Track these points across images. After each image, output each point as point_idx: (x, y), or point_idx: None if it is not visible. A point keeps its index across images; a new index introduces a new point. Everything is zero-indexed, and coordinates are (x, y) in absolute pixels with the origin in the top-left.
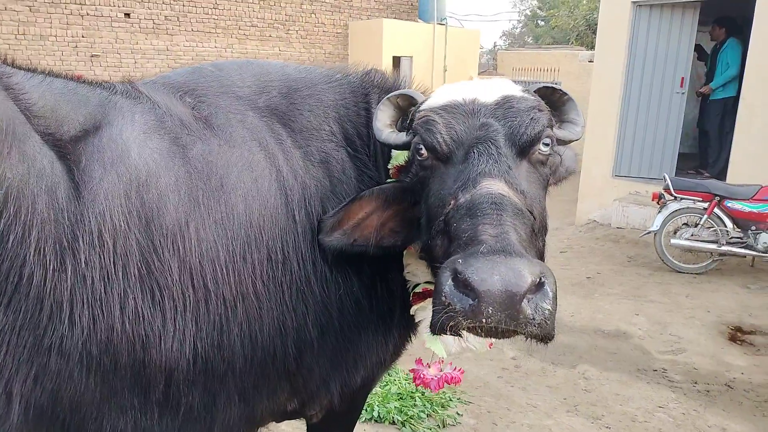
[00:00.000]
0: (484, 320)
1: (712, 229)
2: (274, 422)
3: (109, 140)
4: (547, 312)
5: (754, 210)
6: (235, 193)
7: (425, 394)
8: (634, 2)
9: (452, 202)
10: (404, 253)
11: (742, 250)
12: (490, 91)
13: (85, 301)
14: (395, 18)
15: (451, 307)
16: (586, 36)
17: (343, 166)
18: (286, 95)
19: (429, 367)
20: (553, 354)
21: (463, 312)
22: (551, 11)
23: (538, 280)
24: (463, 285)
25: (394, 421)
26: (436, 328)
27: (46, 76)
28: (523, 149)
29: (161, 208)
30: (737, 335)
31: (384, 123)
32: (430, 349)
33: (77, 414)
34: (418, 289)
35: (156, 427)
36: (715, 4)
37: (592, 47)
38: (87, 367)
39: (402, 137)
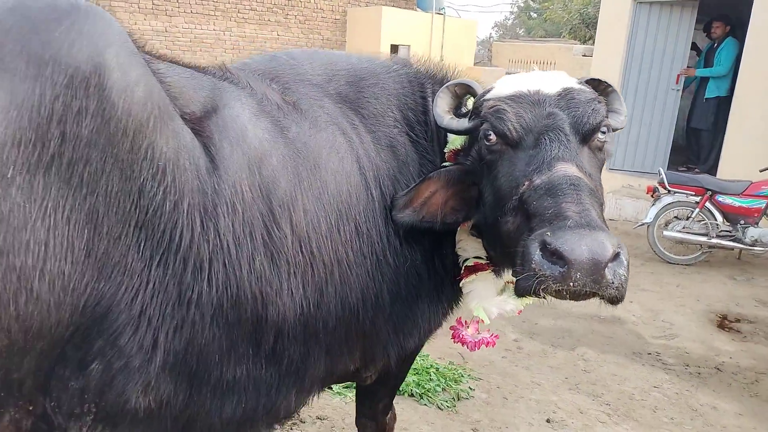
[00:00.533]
0: (571, 284)
1: (702, 222)
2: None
3: (230, 120)
4: (623, 277)
5: (744, 205)
6: (326, 172)
7: (439, 369)
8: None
9: (527, 183)
10: (458, 229)
11: (731, 243)
12: (551, 83)
13: (221, 261)
14: (394, 6)
15: (541, 273)
16: (579, 30)
17: (407, 150)
18: (353, 83)
19: (467, 327)
20: (553, 337)
21: (552, 278)
22: (545, 4)
23: (616, 250)
24: (551, 254)
25: (412, 394)
26: (524, 292)
27: (170, 63)
28: (586, 137)
29: (275, 182)
30: (725, 323)
31: (443, 109)
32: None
33: (203, 363)
34: (469, 263)
35: (263, 376)
36: (711, 3)
37: (586, 41)
38: (217, 321)
39: (464, 123)
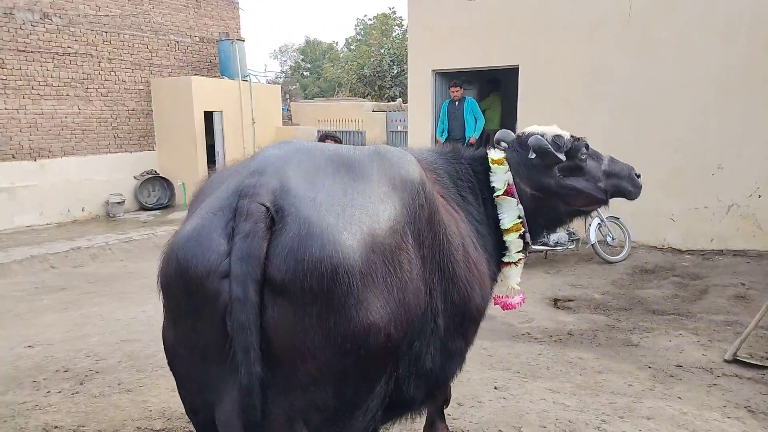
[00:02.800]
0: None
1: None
2: None
3: (433, 190)
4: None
5: None
6: (461, 224)
7: None
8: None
9: (605, 163)
10: (510, 234)
11: (540, 246)
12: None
13: (457, 269)
14: (196, 74)
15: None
16: (357, 88)
17: (468, 208)
18: (433, 171)
19: (512, 296)
20: None
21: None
22: (328, 65)
23: None
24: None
25: None
26: (635, 195)
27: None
28: None
29: (455, 230)
30: (557, 304)
31: (554, 149)
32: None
33: (448, 336)
34: (514, 258)
35: (461, 347)
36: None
37: (364, 97)
38: (447, 309)
39: (562, 152)
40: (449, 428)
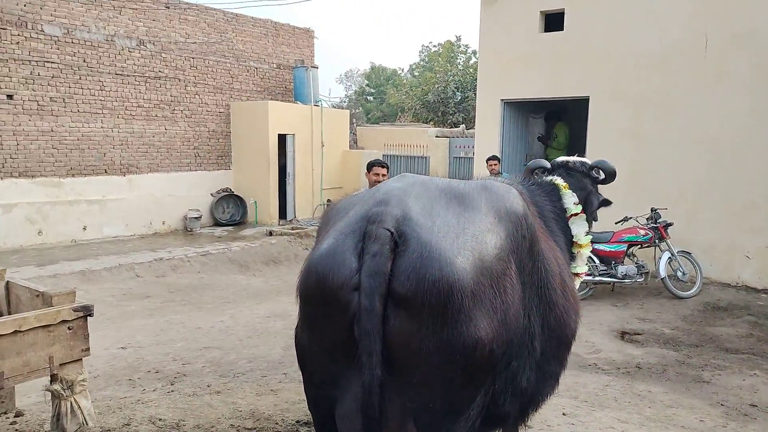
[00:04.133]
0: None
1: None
2: None
3: (534, 222)
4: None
5: (612, 249)
6: (558, 253)
7: None
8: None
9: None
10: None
11: (608, 279)
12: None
13: (554, 296)
14: (272, 99)
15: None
16: (420, 113)
17: (554, 232)
18: (533, 203)
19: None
20: None
21: None
22: (379, 88)
23: None
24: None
25: None
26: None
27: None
28: None
29: (553, 259)
30: (625, 336)
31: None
32: None
33: (544, 353)
34: (576, 270)
35: (548, 373)
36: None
37: (427, 122)
38: (544, 333)
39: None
40: None
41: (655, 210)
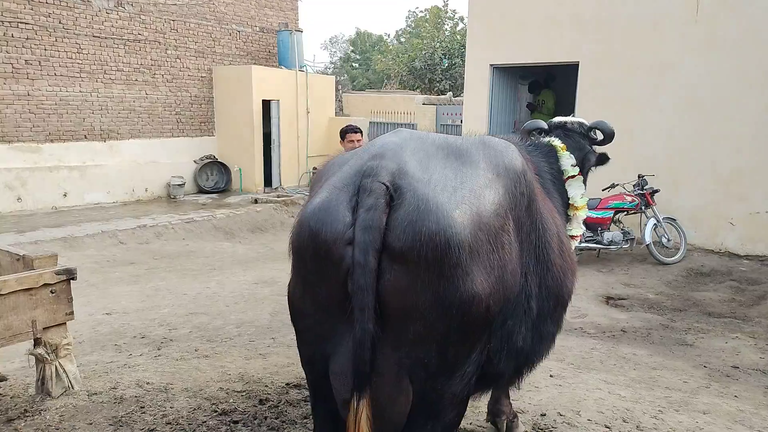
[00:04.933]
0: None
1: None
2: None
3: (533, 179)
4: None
5: (598, 215)
6: (555, 214)
7: None
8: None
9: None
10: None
11: (594, 245)
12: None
13: (552, 256)
14: (255, 64)
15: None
16: (407, 81)
17: (551, 194)
18: (531, 161)
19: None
20: None
21: None
22: (379, 56)
23: None
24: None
25: None
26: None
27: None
28: None
29: (550, 219)
30: (609, 301)
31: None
32: None
33: (540, 314)
34: (571, 233)
35: (545, 334)
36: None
37: (414, 89)
38: (541, 293)
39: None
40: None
41: (642, 177)
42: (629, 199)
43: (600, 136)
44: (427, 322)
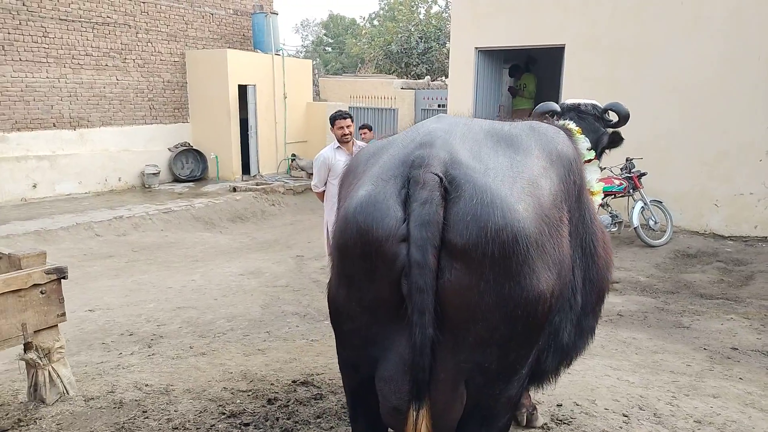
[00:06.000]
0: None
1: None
2: None
3: (583, 167)
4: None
5: None
6: (592, 203)
7: None
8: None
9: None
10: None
11: None
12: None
13: (598, 248)
14: (230, 47)
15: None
16: (384, 65)
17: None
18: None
19: None
20: None
21: None
22: (338, 38)
23: None
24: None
25: None
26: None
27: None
28: None
29: (593, 209)
30: None
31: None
32: None
33: (583, 308)
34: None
35: (585, 328)
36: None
37: (390, 73)
38: (585, 286)
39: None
40: None
41: (630, 160)
42: (618, 182)
43: (615, 117)
44: (489, 324)
